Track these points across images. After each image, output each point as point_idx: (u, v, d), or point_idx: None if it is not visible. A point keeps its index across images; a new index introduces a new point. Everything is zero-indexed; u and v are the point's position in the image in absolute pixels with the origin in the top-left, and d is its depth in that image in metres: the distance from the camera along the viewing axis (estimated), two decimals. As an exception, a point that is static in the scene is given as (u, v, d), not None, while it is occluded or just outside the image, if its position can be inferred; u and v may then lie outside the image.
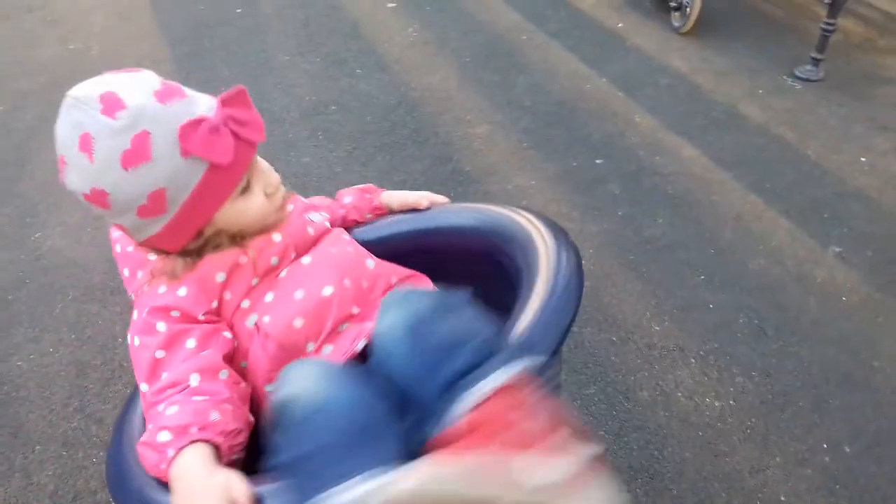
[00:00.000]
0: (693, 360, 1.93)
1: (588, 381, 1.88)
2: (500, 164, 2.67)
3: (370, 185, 1.48)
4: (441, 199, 1.41)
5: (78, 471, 1.77)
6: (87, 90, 0.95)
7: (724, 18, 3.64)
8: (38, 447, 1.84)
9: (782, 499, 1.61)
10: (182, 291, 1.03)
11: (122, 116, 0.93)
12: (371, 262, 1.20)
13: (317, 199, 1.39)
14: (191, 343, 1.00)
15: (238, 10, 4.22)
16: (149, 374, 0.99)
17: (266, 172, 1.09)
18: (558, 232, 1.13)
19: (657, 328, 2.03)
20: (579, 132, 2.89)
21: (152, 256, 1.07)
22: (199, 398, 0.93)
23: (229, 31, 3.96)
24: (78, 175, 0.95)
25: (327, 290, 1.10)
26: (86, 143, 0.93)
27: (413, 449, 0.82)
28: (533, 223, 1.18)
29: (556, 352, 0.93)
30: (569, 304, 0.98)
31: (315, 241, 1.19)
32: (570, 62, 3.41)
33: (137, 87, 0.97)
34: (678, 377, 1.89)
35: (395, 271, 1.21)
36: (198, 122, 0.96)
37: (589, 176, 2.63)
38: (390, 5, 4.15)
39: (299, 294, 1.09)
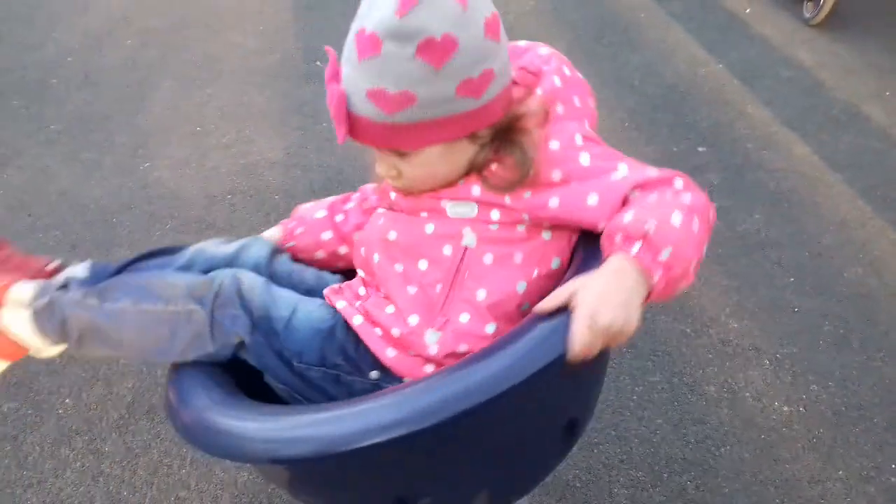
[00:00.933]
0: (767, 362, 1.88)
1: (654, 369, 1.87)
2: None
3: None
4: None
5: (154, 387, 1.90)
6: None
7: (859, 12, 3.45)
8: (121, 361, 1.98)
9: (839, 514, 1.56)
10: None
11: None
12: (400, 266, 1.06)
13: None
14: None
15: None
16: None
17: None
18: None
19: (735, 325, 1.98)
20: (686, 117, 2.82)
21: None
22: None
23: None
24: (442, 14, 0.85)
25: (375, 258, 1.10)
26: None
27: None
28: None
29: None
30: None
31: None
32: (688, 45, 3.31)
33: None
34: (749, 377, 1.85)
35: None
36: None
37: (689, 163, 2.57)
38: (511, -28, 4.14)
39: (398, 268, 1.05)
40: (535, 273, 0.99)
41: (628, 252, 0.84)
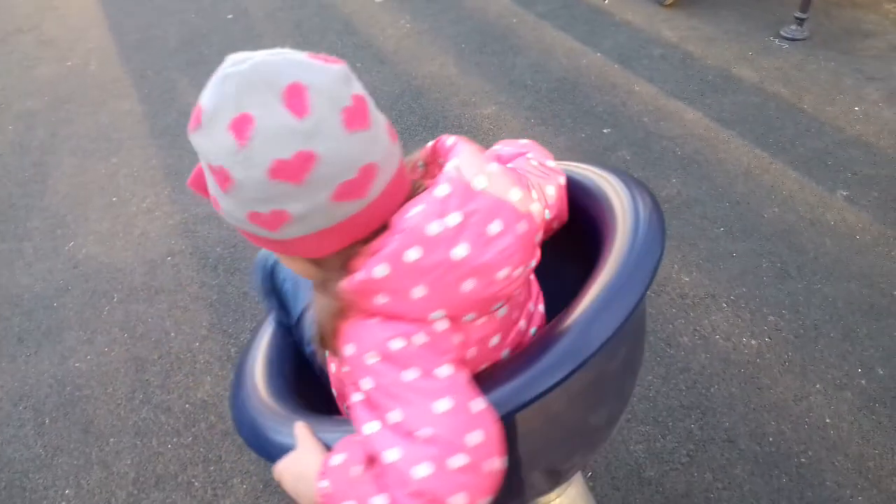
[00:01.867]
0: (725, 305, 2.03)
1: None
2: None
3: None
4: None
5: (155, 457, 1.83)
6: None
7: (705, -12, 3.75)
8: (111, 440, 1.90)
9: (828, 421, 1.71)
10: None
11: (340, 71, 0.79)
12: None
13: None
14: None
15: (229, 16, 4.26)
16: None
17: None
18: (627, 178, 1.20)
19: (687, 279, 2.12)
20: (584, 105, 2.97)
21: None
22: None
23: (224, 38, 4.00)
24: (277, 136, 0.73)
25: None
26: (297, 95, 0.74)
27: None
28: (597, 173, 1.25)
29: (648, 286, 0.99)
30: (657, 240, 1.03)
31: None
32: (564, 40, 3.49)
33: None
34: (713, 321, 1.98)
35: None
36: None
37: (599, 145, 2.72)
38: (378, 0, 4.21)
39: None
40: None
41: None
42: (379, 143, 0.80)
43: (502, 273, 0.83)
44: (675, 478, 1.63)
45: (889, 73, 2.94)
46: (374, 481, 0.78)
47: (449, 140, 0.93)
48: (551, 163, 1.11)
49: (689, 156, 2.62)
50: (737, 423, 1.72)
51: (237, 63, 0.76)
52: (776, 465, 1.63)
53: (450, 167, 0.84)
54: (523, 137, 1.04)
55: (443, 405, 0.78)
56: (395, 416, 0.78)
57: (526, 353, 0.89)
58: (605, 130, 2.80)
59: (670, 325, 1.99)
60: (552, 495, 1.28)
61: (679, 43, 3.34)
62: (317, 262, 0.85)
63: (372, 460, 0.80)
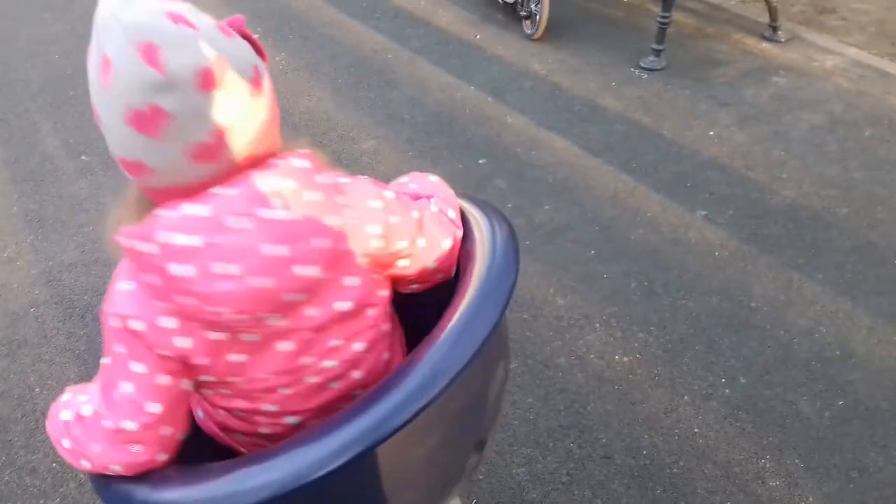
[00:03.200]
0: (598, 325, 2.09)
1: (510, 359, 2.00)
2: (391, 175, 2.73)
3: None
4: None
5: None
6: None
7: (571, 23, 3.90)
8: (-22, 508, 1.76)
9: (696, 430, 1.78)
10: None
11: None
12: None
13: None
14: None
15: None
16: None
17: None
18: (485, 206, 1.22)
19: (562, 301, 2.17)
20: (460, 137, 3.03)
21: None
22: None
23: (92, 78, 3.85)
24: (132, 83, 0.76)
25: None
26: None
27: None
28: (463, 206, 1.26)
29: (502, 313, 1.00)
30: (510, 267, 1.06)
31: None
32: (439, 75, 3.55)
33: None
34: (588, 341, 2.04)
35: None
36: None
37: (475, 175, 2.77)
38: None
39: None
40: None
41: None
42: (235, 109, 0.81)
43: (221, 309, 0.84)
44: (557, 497, 1.65)
45: (740, 98, 3.14)
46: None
47: (287, 158, 0.89)
48: (452, 213, 1.10)
49: (560, 182, 2.70)
50: (613, 439, 1.77)
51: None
52: (651, 477, 1.68)
53: (226, 192, 0.82)
54: (402, 170, 1.04)
55: (125, 387, 0.89)
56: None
57: (381, 387, 0.88)
58: (480, 161, 2.85)
59: (548, 347, 2.03)
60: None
61: (548, 75, 3.45)
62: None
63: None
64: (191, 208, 0.81)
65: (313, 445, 0.85)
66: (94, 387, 0.95)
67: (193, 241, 0.81)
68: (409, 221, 1.00)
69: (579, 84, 3.36)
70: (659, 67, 3.37)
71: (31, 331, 2.27)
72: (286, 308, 0.88)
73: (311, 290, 0.89)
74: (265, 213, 0.82)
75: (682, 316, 2.09)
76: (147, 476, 0.93)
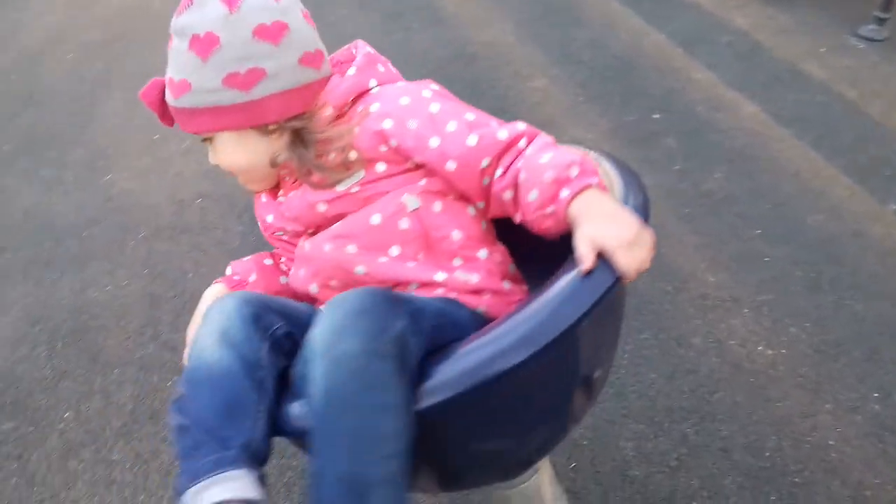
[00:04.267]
0: (747, 310, 1.97)
1: (642, 327, 1.93)
2: (557, 117, 2.70)
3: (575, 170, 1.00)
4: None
5: (154, 392, 1.89)
6: None
7: (788, -25, 3.58)
8: (116, 370, 1.96)
9: (831, 443, 1.65)
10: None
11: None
12: (362, 268, 1.09)
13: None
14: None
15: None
16: None
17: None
18: (626, 172, 1.16)
19: (712, 279, 2.06)
20: (637, 87, 2.90)
21: None
22: None
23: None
24: (206, 15, 1.00)
25: (313, 288, 1.15)
26: None
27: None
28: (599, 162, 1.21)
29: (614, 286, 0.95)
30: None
31: (332, 220, 1.11)
32: (628, 17, 3.40)
33: None
34: (731, 326, 1.93)
35: (396, 276, 1.10)
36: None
37: (646, 130, 2.65)
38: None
39: (301, 272, 1.17)
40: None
41: (580, 191, 0.95)
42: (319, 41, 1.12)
43: None
44: (661, 481, 1.60)
45: (972, 85, 2.78)
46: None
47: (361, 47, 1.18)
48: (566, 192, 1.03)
49: (737, 150, 2.53)
50: (735, 433, 1.68)
51: None
52: (769, 481, 1.58)
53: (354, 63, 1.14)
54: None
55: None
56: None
57: (492, 329, 0.89)
58: (654, 116, 2.73)
59: (685, 325, 1.94)
60: (518, 483, 1.28)
61: (749, 31, 3.21)
62: (267, 138, 1.07)
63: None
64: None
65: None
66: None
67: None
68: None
69: (783, 45, 3.09)
70: (880, 38, 3.04)
71: (193, 220, 2.46)
72: None
73: None
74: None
75: (845, 317, 1.92)
76: None
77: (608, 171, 1.16)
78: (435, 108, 1.06)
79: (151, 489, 1.66)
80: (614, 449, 1.67)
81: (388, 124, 1.05)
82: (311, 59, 1.06)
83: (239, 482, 0.86)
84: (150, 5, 3.91)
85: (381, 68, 1.15)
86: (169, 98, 1.08)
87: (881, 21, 3.03)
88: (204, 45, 1.00)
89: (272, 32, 1.01)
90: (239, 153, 1.10)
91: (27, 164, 2.81)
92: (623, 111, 2.76)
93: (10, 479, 1.72)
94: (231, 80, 1.01)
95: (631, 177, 1.13)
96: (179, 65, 1.04)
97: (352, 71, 1.11)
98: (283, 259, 1.29)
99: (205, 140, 1.12)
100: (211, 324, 0.95)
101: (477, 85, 2.97)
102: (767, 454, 1.63)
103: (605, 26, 3.33)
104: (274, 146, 1.08)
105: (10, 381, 1.96)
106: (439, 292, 1.09)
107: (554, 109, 2.78)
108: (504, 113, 2.74)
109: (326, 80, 1.10)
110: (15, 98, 3.24)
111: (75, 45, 3.61)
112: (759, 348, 1.87)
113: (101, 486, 1.68)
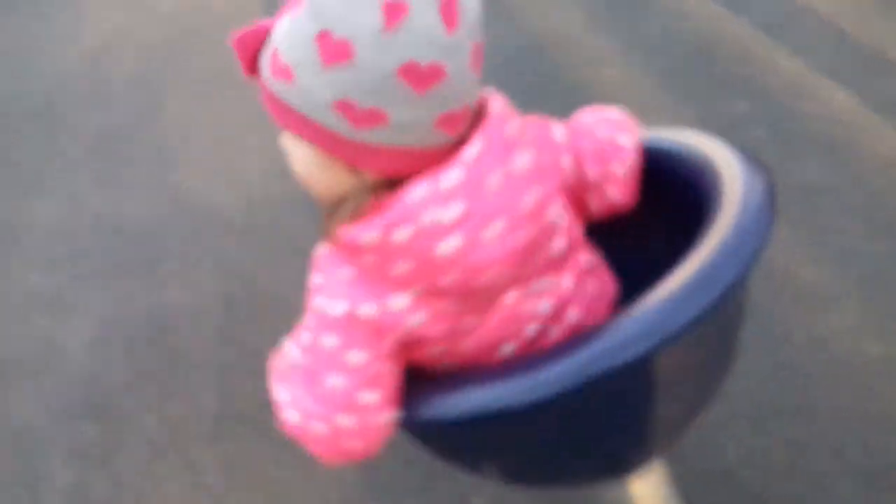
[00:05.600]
0: (851, 307, 1.94)
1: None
2: (636, 107, 2.69)
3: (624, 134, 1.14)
4: None
5: (238, 395, 1.94)
6: None
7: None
8: (196, 373, 2.02)
9: (952, 444, 1.62)
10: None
11: None
12: None
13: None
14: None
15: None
16: None
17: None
18: (742, 153, 1.15)
19: (812, 273, 2.04)
20: (720, 75, 2.87)
21: None
22: None
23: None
24: (426, 35, 0.77)
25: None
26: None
27: None
28: (706, 145, 1.20)
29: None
30: (765, 224, 0.99)
31: None
32: (708, 2, 3.37)
33: None
34: (835, 322, 1.90)
35: None
36: None
37: (731, 120, 2.63)
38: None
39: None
40: None
41: None
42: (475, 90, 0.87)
43: (485, 275, 0.87)
44: (769, 483, 1.59)
45: None
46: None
47: (493, 104, 0.90)
48: (625, 138, 1.10)
49: (830, 139, 2.49)
50: (845, 432, 1.66)
51: None
52: (884, 480, 1.56)
53: (471, 152, 0.85)
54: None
55: (332, 380, 0.91)
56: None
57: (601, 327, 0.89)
58: (740, 104, 2.70)
59: (787, 322, 1.92)
60: (634, 479, 1.28)
61: (837, 15, 3.16)
62: (354, 174, 0.87)
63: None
64: (445, 177, 0.83)
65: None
66: (297, 376, 0.95)
67: (456, 209, 0.83)
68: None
69: (876, 29, 3.04)
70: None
71: (264, 221, 2.51)
72: (527, 259, 0.91)
73: (556, 228, 0.93)
74: (518, 160, 0.87)
75: (959, 312, 1.89)
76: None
77: (725, 156, 1.15)
78: None
79: (241, 492, 1.71)
80: (719, 451, 1.66)
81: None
82: (448, 121, 0.83)
83: None
84: (212, 5, 4.01)
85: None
86: (265, 66, 0.85)
87: (982, -1, 2.96)
88: (334, 51, 0.77)
89: (422, 76, 0.78)
90: (316, 173, 0.89)
91: (95, 167, 2.91)
92: (706, 100, 2.75)
93: (98, 483, 1.78)
94: (343, 108, 0.80)
95: (749, 158, 1.12)
96: (293, 46, 0.80)
97: (451, 180, 0.83)
98: None
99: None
100: None
101: (548, 75, 2.98)
102: (881, 454, 1.61)
103: (681, 12, 3.31)
104: (355, 182, 0.88)
105: (91, 385, 2.03)
106: None
107: (632, 99, 2.78)
108: (578, 104, 2.75)
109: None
110: (77, 102, 3.35)
111: (137, 45, 3.72)
112: (865, 346, 1.84)
113: (188, 489, 1.73)
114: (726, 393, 1.76)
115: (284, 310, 2.15)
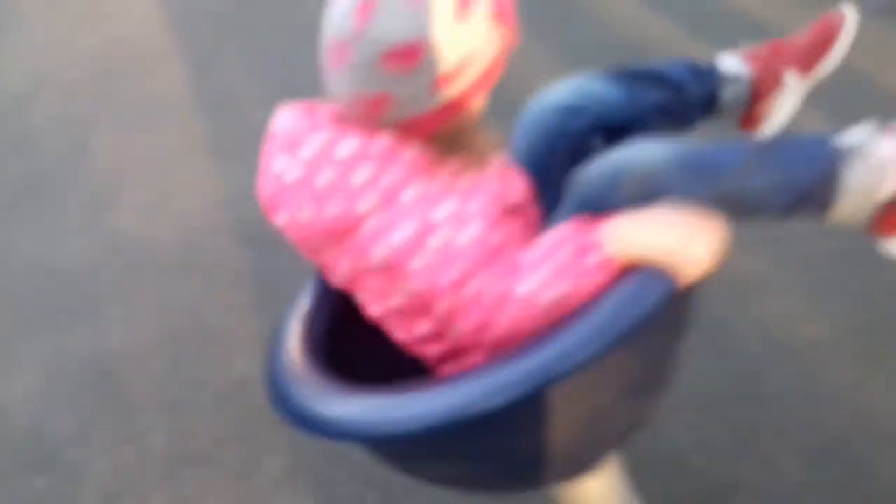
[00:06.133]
0: (787, 291, 2.03)
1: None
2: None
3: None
4: None
5: (189, 434, 1.94)
6: None
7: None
8: (145, 416, 2.02)
9: (885, 414, 1.71)
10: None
11: None
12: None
13: None
14: None
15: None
16: None
17: None
18: None
19: (749, 262, 2.13)
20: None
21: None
22: None
23: (272, 3, 4.11)
24: (395, 22, 0.92)
25: None
26: None
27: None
28: None
29: None
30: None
31: None
32: (630, 7, 3.48)
33: None
34: (773, 307, 1.99)
35: None
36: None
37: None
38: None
39: None
40: None
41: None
42: None
43: None
44: (721, 468, 1.66)
45: None
46: None
47: None
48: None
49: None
50: (789, 413, 1.74)
51: None
52: (829, 457, 1.64)
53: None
54: None
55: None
56: None
57: (560, 326, 0.94)
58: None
59: (726, 310, 2.00)
60: (588, 479, 1.33)
61: (756, 9, 3.30)
62: None
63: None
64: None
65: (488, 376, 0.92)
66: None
67: None
68: None
69: (795, 21, 3.18)
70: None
71: (206, 253, 2.52)
72: None
73: None
74: None
75: (891, 290, 1.99)
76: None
77: None
78: None
79: (200, 529, 1.72)
80: (670, 442, 1.73)
81: None
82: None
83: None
84: (132, 38, 4.00)
85: None
86: (329, 54, 0.99)
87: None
88: (404, 55, 0.94)
89: (393, 59, 0.95)
90: None
91: (25, 213, 2.88)
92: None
93: (53, 533, 1.77)
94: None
95: None
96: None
97: None
98: None
99: None
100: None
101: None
102: (822, 431, 1.69)
103: (606, 20, 3.42)
104: None
105: (38, 437, 2.02)
106: None
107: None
108: (514, 115, 2.82)
109: None
110: (3, 146, 3.31)
111: (59, 85, 3.69)
112: (803, 327, 1.93)
113: (147, 531, 1.74)
114: (675, 384, 1.83)
115: (230, 341, 2.17)
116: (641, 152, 1.03)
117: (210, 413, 1.99)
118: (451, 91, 0.97)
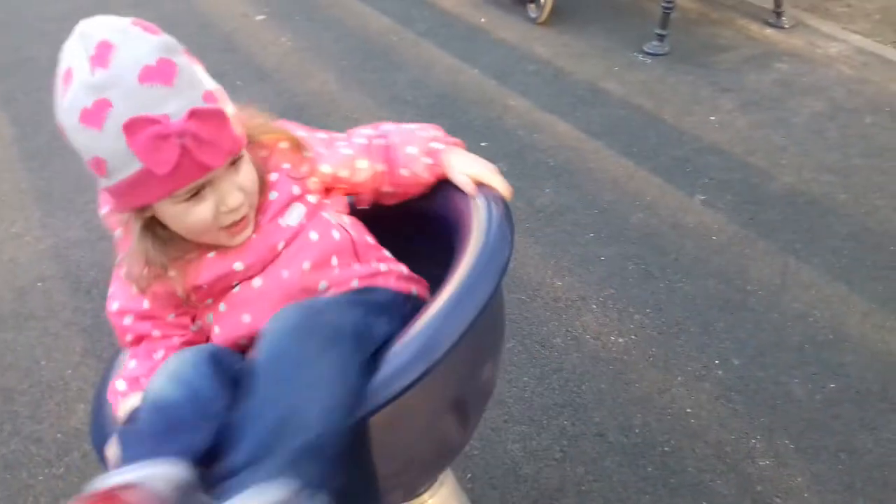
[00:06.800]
0: (595, 306, 2.11)
1: (507, 337, 2.02)
2: (393, 156, 2.77)
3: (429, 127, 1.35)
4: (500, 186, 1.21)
5: (26, 490, 1.74)
6: (97, 29, 0.92)
7: (574, 7, 3.89)
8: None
9: (688, 411, 1.80)
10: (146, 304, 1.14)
11: (97, 74, 0.90)
12: (325, 283, 1.09)
13: (339, 144, 1.27)
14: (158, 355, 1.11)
15: (105, 35, 4.11)
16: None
17: (226, 192, 1.00)
18: (482, 188, 1.23)
19: (559, 283, 2.19)
20: (461, 119, 3.03)
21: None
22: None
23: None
24: (57, 102, 0.95)
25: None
26: (67, 78, 0.93)
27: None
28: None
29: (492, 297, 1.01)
30: (504, 244, 1.08)
31: (278, 255, 1.09)
32: (443, 58, 3.55)
33: (135, 52, 0.91)
34: (584, 322, 2.06)
35: (357, 274, 1.13)
36: (149, 122, 0.89)
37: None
38: (259, 18, 4.17)
39: (246, 318, 1.08)
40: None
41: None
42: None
43: None
44: (550, 473, 1.68)
45: (742, 84, 3.14)
46: None
47: None
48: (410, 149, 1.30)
49: (560, 166, 2.71)
50: (606, 417, 1.79)
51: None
52: (642, 455, 1.70)
53: None
54: None
55: None
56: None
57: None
58: (482, 144, 2.86)
59: (544, 328, 2.05)
60: (425, 496, 1.30)
61: (551, 59, 3.45)
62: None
63: None
64: None
65: None
66: None
67: None
68: None
69: (582, 68, 3.36)
70: (662, 52, 3.37)
71: (38, 305, 2.29)
72: None
73: None
74: None
75: (678, 298, 2.11)
76: None
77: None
78: None
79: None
80: (503, 452, 1.73)
81: None
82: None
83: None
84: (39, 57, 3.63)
85: None
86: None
87: (661, 37, 3.36)
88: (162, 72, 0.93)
89: (90, 117, 0.93)
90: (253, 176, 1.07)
91: None
92: (453, 142, 2.88)
93: None
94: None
95: (489, 192, 1.20)
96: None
97: None
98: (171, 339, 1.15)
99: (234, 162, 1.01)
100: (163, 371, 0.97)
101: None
102: (637, 431, 1.76)
103: (423, 68, 3.47)
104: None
105: None
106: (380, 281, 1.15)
107: (389, 148, 2.86)
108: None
109: None
110: None
111: None
112: (612, 338, 2.01)
113: None
114: (502, 401, 1.84)
115: (68, 392, 1.97)
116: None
117: (49, 467, 1.79)
118: (108, 182, 0.97)
